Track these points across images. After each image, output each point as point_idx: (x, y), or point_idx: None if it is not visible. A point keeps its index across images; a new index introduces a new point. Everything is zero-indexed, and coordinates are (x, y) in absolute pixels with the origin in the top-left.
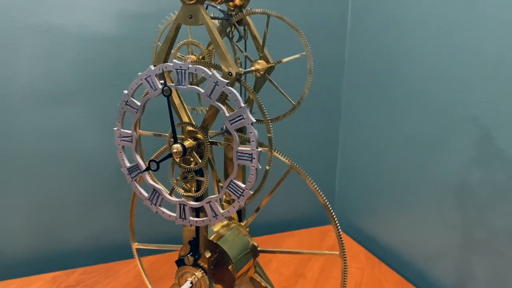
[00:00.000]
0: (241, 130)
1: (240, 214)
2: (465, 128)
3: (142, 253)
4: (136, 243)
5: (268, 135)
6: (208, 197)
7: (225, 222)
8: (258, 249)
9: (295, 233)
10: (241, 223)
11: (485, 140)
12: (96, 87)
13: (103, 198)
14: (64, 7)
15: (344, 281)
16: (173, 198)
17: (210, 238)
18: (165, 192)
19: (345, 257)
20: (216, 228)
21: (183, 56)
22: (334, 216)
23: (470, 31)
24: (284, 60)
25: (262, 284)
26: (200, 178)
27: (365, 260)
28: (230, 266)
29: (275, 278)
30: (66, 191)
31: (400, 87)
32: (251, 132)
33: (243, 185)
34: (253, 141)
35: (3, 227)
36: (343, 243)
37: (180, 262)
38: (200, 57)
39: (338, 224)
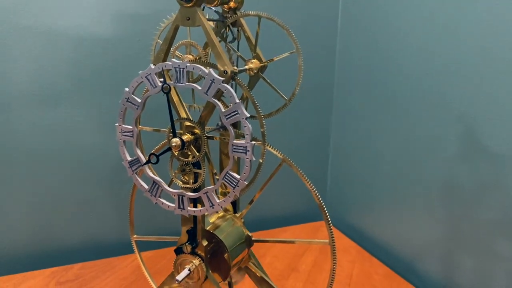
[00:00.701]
0: (236, 126)
1: (235, 205)
2: (452, 125)
3: (139, 248)
4: (135, 236)
5: (261, 129)
6: (205, 188)
7: (221, 213)
8: (253, 239)
9: (289, 228)
10: (236, 214)
11: (472, 137)
12: (94, 86)
13: (101, 196)
14: (64, 8)
15: (334, 268)
16: (172, 190)
17: (207, 229)
18: (164, 184)
19: (334, 244)
20: (213, 219)
21: (181, 55)
22: (322, 203)
23: (463, 27)
24: (276, 58)
25: (258, 274)
26: (198, 171)
27: (356, 254)
28: (226, 254)
29: (269, 272)
30: (64, 189)
31: (390, 83)
32: (245, 126)
33: (238, 176)
34: (247, 134)
35: (3, 224)
36: (331, 230)
37: (178, 251)
38: (197, 58)
39: (325, 209)
